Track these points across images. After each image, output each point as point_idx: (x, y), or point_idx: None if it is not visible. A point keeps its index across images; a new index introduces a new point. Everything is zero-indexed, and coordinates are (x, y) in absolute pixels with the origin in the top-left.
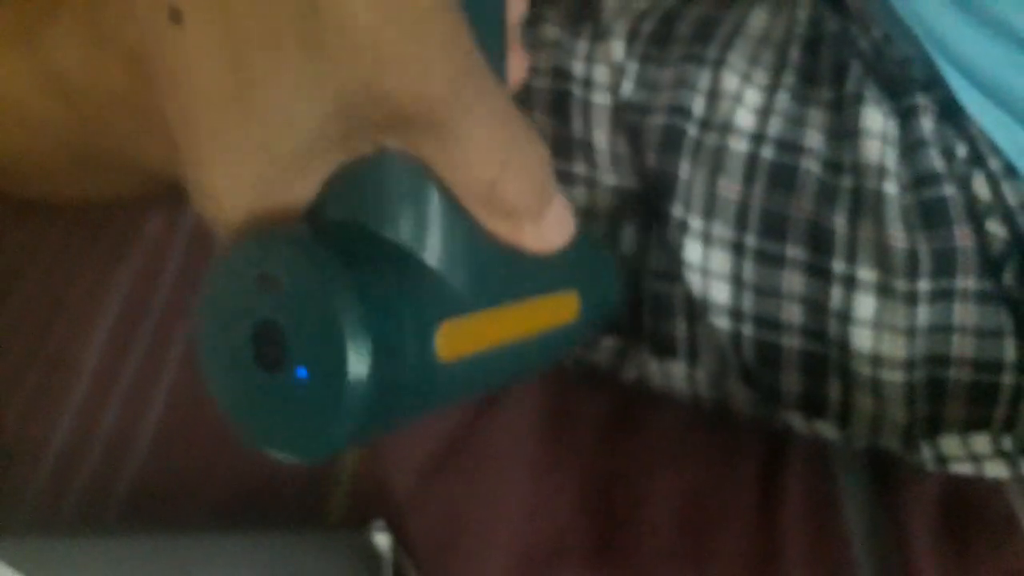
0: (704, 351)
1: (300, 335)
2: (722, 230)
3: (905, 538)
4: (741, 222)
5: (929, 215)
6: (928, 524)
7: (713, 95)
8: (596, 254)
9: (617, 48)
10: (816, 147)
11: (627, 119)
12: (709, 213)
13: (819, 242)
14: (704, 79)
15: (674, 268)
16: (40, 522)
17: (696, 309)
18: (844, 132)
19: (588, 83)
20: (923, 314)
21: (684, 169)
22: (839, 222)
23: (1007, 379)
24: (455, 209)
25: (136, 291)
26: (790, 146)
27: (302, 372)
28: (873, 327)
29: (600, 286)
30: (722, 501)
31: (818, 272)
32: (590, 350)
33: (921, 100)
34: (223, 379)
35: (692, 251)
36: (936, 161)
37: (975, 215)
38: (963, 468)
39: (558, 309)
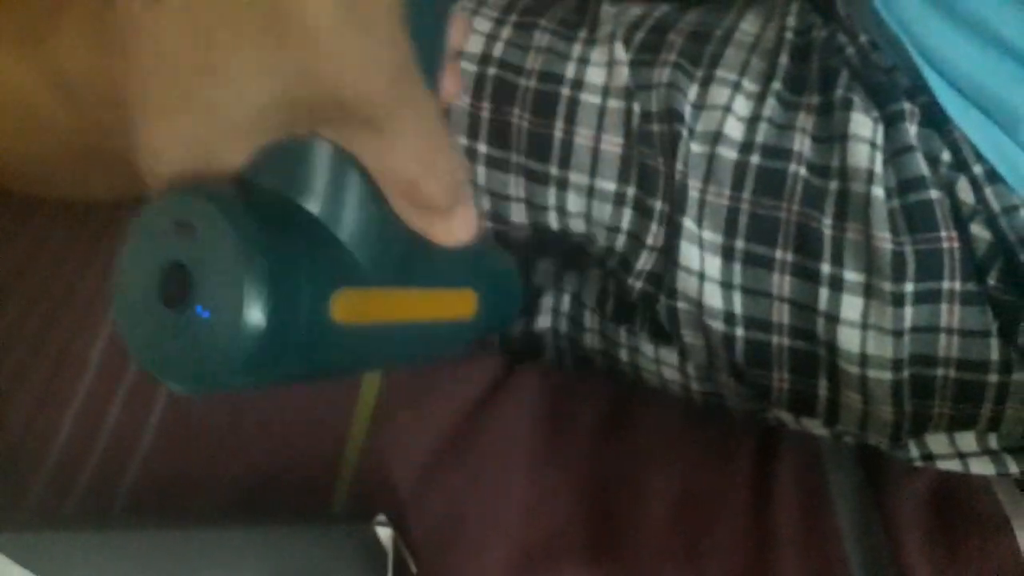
0: (693, 347)
1: (204, 278)
2: (712, 235)
3: (896, 533)
4: (731, 227)
5: (915, 219)
6: (918, 520)
7: (699, 107)
8: (499, 265)
9: (618, 50)
10: (803, 152)
11: (621, 120)
12: (700, 218)
13: (807, 245)
14: (692, 92)
15: (668, 268)
16: (45, 517)
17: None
18: (832, 137)
19: (579, 84)
20: (909, 315)
21: (679, 170)
22: (826, 225)
23: (992, 378)
24: (372, 193)
25: None
26: (778, 152)
27: (201, 311)
28: (860, 327)
29: (500, 293)
30: (716, 498)
31: (806, 274)
32: (582, 334)
33: (906, 106)
34: (131, 315)
35: (687, 254)
36: (921, 166)
37: (960, 219)
38: (950, 465)
39: (456, 304)
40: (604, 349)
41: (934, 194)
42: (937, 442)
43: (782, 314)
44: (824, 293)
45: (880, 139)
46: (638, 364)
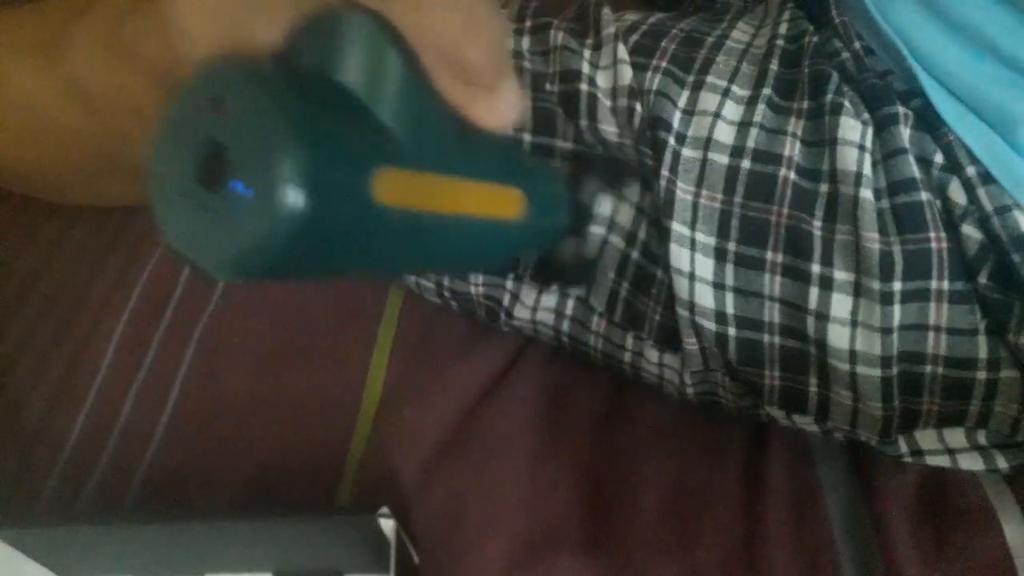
0: (689, 351)
1: (242, 155)
2: (705, 238)
3: (884, 526)
4: (723, 229)
5: (904, 220)
6: (907, 513)
7: (690, 113)
8: (546, 169)
9: (620, 50)
10: (794, 156)
11: (626, 119)
12: (691, 221)
13: (797, 246)
14: (682, 99)
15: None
16: (58, 513)
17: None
18: (822, 141)
19: (593, 82)
20: (897, 313)
21: (664, 175)
22: (816, 226)
23: (981, 375)
24: (412, 67)
25: (153, 290)
26: (768, 157)
27: (242, 189)
28: (850, 325)
29: (548, 198)
30: (708, 490)
31: (796, 274)
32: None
33: (900, 109)
34: (167, 200)
35: (677, 256)
36: (913, 168)
37: (951, 219)
38: (939, 461)
39: (502, 201)
40: (607, 351)
41: (924, 196)
42: (926, 438)
43: (773, 313)
44: (814, 292)
45: (869, 142)
46: (639, 366)
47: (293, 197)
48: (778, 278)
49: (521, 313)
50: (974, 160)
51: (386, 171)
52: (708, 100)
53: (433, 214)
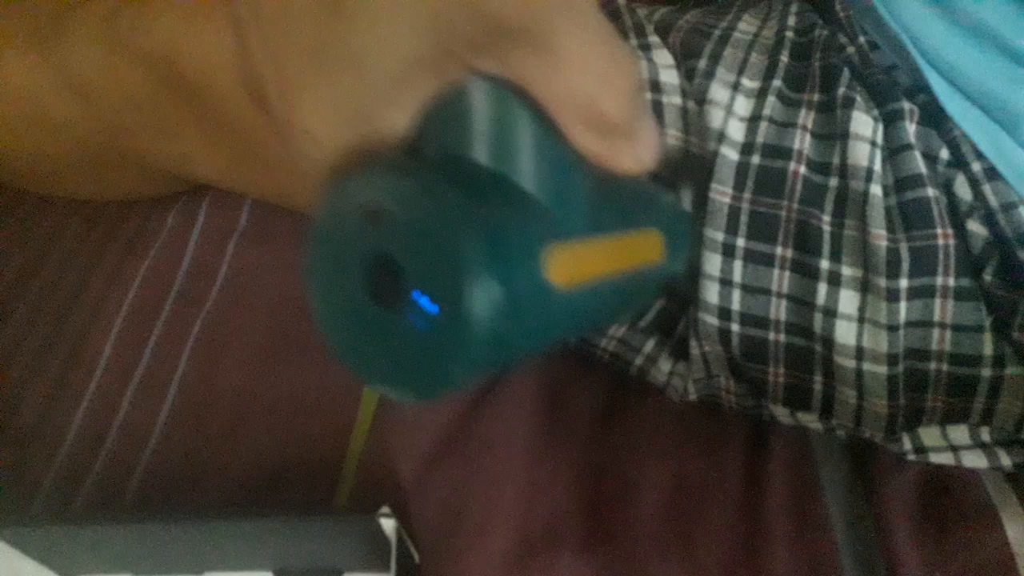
0: (694, 364)
1: (417, 268)
2: (713, 233)
3: (886, 524)
4: (732, 225)
5: (910, 216)
6: (908, 510)
7: (701, 103)
8: (669, 199)
9: (665, 55)
10: (804, 149)
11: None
12: (699, 217)
13: (806, 241)
14: (695, 91)
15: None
16: (56, 511)
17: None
18: (833, 135)
19: (657, 87)
20: (903, 310)
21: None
22: (825, 221)
23: (986, 372)
24: (548, 129)
25: (151, 285)
26: (778, 151)
27: (424, 304)
28: (857, 321)
29: (676, 231)
30: (708, 488)
31: (805, 270)
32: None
33: (906, 105)
34: (334, 315)
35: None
36: (919, 164)
37: (956, 216)
38: (942, 458)
39: (647, 246)
40: (617, 352)
41: (931, 192)
42: (930, 435)
43: (780, 310)
44: (823, 288)
45: (880, 138)
46: (647, 370)
47: (482, 304)
48: (787, 273)
49: None
50: (979, 156)
51: (552, 248)
52: (720, 93)
53: (598, 277)
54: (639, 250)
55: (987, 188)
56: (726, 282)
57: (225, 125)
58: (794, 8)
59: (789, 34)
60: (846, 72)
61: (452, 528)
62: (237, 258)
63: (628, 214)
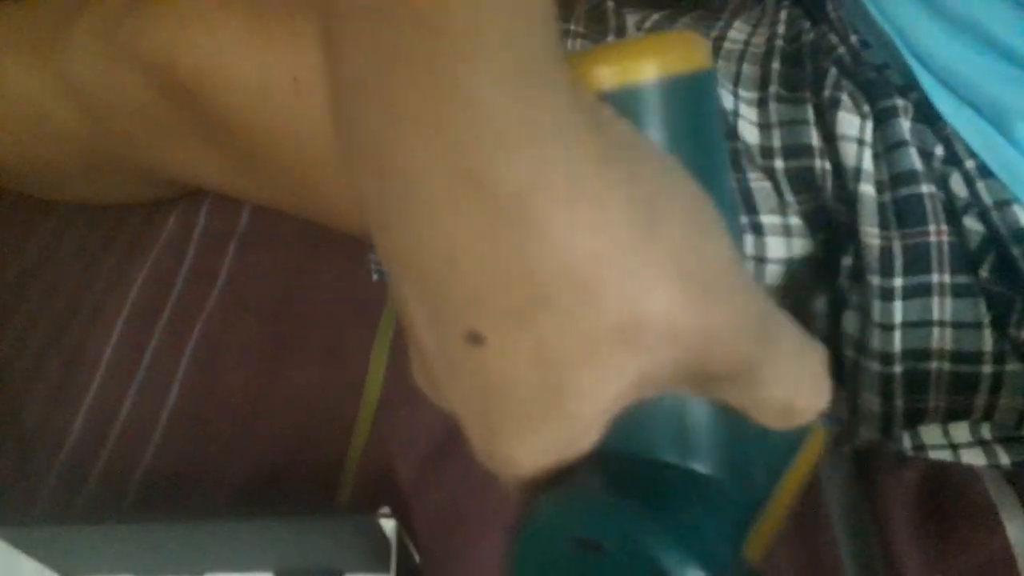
0: None
1: None
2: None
3: (885, 523)
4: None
5: (904, 213)
6: (908, 510)
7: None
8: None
9: None
10: (821, 147)
11: None
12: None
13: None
14: None
15: None
16: (57, 512)
17: None
18: (827, 136)
19: None
20: (899, 309)
21: None
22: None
23: (987, 369)
24: (734, 420)
25: (152, 288)
26: (799, 150)
27: None
28: (860, 313)
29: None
30: None
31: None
32: None
33: (899, 102)
34: None
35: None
36: (914, 160)
37: (952, 212)
38: (941, 455)
39: (815, 445)
40: None
41: (925, 188)
42: (930, 433)
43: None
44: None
45: (869, 136)
46: None
47: None
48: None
49: None
50: (972, 154)
51: (752, 530)
52: (724, 98)
53: (784, 517)
54: (810, 457)
55: (981, 185)
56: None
57: (223, 131)
58: (783, 15)
59: (779, 42)
60: (833, 72)
61: (452, 528)
62: (237, 261)
63: (800, 438)
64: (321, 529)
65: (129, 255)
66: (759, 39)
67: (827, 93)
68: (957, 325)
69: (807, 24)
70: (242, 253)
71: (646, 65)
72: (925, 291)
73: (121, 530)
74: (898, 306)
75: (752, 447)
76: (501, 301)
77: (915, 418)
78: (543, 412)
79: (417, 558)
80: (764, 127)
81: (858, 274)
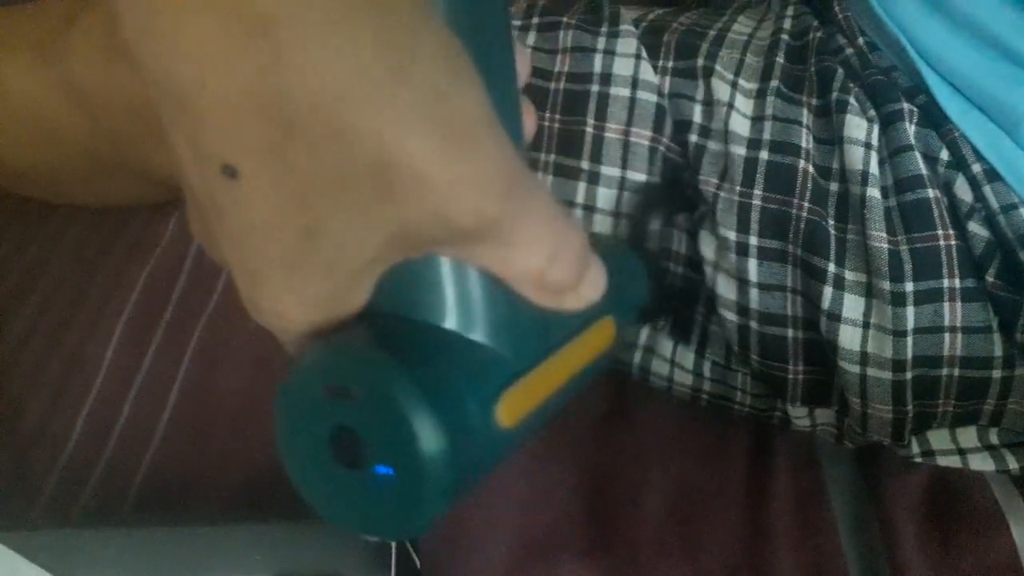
0: (714, 339)
1: (375, 438)
2: (726, 232)
3: (891, 528)
4: (743, 224)
5: (911, 218)
6: (913, 515)
7: (708, 103)
8: (625, 269)
9: (639, 46)
10: (810, 149)
11: (650, 113)
12: (712, 216)
13: (813, 242)
14: (699, 90)
15: (696, 257)
16: (57, 515)
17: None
18: (832, 139)
19: (607, 78)
20: (911, 316)
21: (694, 175)
22: (830, 225)
23: (996, 373)
24: (499, 289)
25: (152, 290)
26: (786, 147)
27: (382, 470)
28: (862, 327)
29: (630, 298)
30: (712, 493)
31: (812, 271)
32: None
33: (905, 106)
34: (304, 474)
35: (705, 246)
36: (919, 165)
37: (957, 217)
38: (949, 461)
39: (598, 337)
40: (617, 356)
41: (931, 193)
42: (939, 438)
43: (796, 307)
44: (828, 292)
45: (875, 140)
46: (648, 367)
47: (435, 469)
48: (800, 271)
49: None
50: (979, 157)
51: (504, 395)
52: (721, 90)
53: (548, 396)
54: (589, 347)
55: (987, 189)
56: (743, 281)
57: None
58: (790, 11)
59: (784, 36)
60: (840, 74)
61: (453, 534)
62: None
63: (580, 319)
64: (321, 533)
65: (129, 258)
66: (764, 32)
67: (834, 96)
68: (967, 330)
69: (814, 23)
70: None
71: None
72: (936, 297)
73: (120, 534)
74: (911, 311)
75: (524, 319)
76: (251, 130)
77: (923, 423)
78: (301, 257)
79: (418, 563)
80: (757, 119)
81: (840, 283)
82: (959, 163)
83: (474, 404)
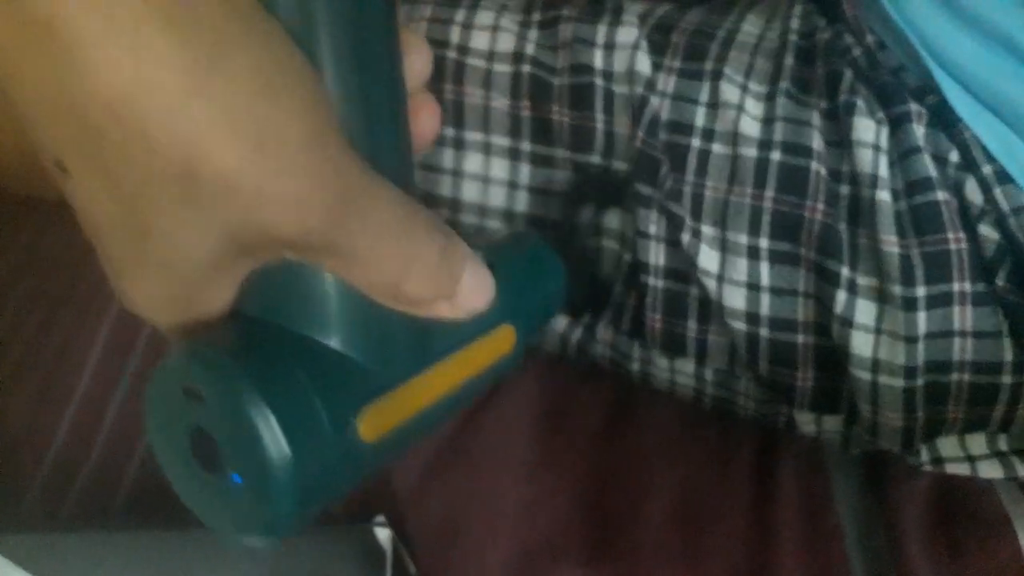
0: (714, 350)
1: (227, 441)
2: (736, 236)
3: (897, 534)
4: (755, 227)
5: (921, 221)
6: (919, 521)
7: (714, 106)
8: (535, 273)
9: (640, 39)
10: (822, 151)
11: (641, 110)
12: (722, 220)
13: (827, 245)
14: (704, 92)
15: (687, 270)
16: (43, 517)
17: (711, 310)
18: (841, 142)
19: (608, 75)
20: (923, 320)
21: (689, 180)
22: (842, 228)
23: (1006, 379)
24: (360, 299)
25: None
26: (797, 148)
27: (235, 475)
28: (874, 332)
29: (539, 302)
30: (716, 497)
31: (826, 275)
32: (591, 343)
33: (913, 107)
34: (174, 471)
35: (707, 258)
36: (928, 167)
37: (967, 219)
38: (958, 468)
39: (494, 346)
40: (614, 359)
41: (941, 195)
42: (948, 445)
43: (808, 311)
44: (841, 296)
45: (884, 142)
46: (649, 372)
47: (280, 480)
48: (812, 275)
49: None
50: (990, 158)
51: (367, 408)
52: (730, 94)
53: (421, 410)
54: (481, 354)
55: (998, 192)
56: (754, 287)
57: None
58: (798, 10)
59: (793, 37)
60: (848, 76)
61: (450, 539)
62: None
63: (470, 327)
64: (315, 538)
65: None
66: (772, 33)
67: (843, 98)
68: (977, 335)
69: (822, 22)
70: None
71: None
72: (947, 301)
73: (109, 538)
74: (922, 317)
75: (395, 329)
76: (64, 129)
77: (934, 431)
78: (140, 256)
79: (413, 569)
80: (767, 121)
81: (853, 287)
82: (969, 165)
83: (327, 414)
